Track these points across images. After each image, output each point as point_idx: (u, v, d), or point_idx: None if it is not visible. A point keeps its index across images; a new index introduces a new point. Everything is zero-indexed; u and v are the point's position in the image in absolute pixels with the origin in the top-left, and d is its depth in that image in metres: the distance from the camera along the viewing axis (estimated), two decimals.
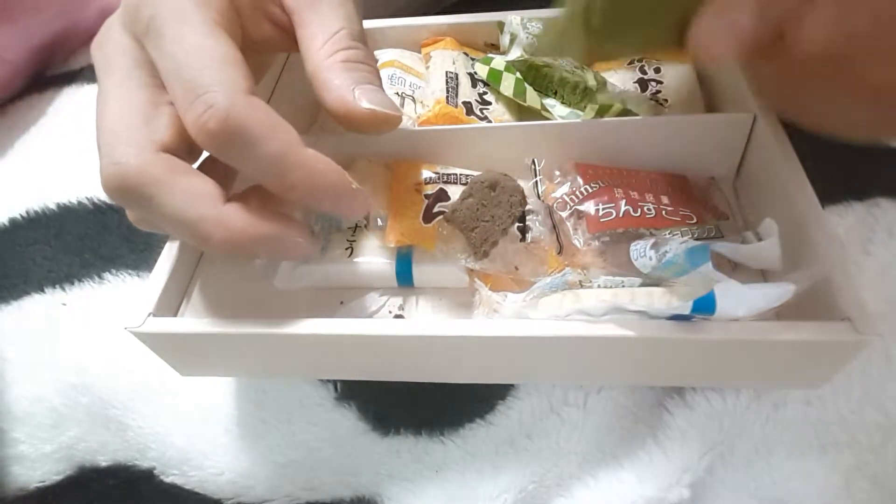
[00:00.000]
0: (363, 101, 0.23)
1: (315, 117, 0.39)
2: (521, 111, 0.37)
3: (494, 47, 0.40)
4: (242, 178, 0.27)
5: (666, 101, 0.36)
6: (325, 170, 0.22)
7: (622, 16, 0.23)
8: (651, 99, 0.36)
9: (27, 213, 0.38)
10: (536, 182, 0.32)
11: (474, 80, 0.38)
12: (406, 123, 0.36)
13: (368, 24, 0.40)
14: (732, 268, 0.28)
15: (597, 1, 0.23)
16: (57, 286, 0.35)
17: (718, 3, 0.20)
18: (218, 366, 0.29)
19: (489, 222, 0.29)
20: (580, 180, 0.31)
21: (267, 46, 0.28)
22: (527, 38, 0.37)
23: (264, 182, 0.23)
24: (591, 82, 0.35)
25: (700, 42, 0.21)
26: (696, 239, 0.28)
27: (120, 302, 0.34)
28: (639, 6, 0.23)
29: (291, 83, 0.39)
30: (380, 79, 0.25)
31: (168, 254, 0.29)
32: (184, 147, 0.24)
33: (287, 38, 0.27)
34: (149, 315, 0.26)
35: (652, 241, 0.27)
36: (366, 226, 0.33)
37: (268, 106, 0.22)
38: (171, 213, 0.22)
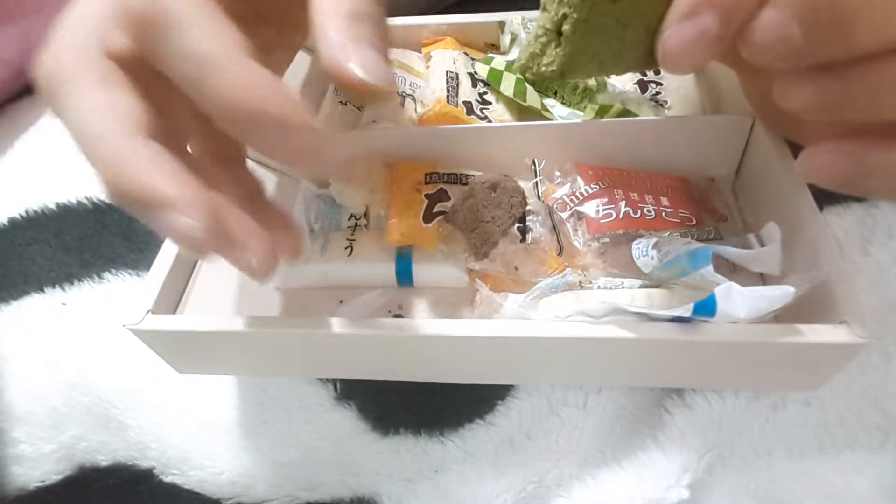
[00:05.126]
0: (356, 66, 0.20)
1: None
2: (522, 111, 0.37)
3: (495, 47, 0.41)
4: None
5: (666, 102, 0.36)
6: (263, 83, 0.18)
7: (592, 33, 0.23)
8: (651, 100, 0.36)
9: (27, 212, 0.38)
10: (537, 182, 0.32)
11: (475, 80, 0.38)
12: (406, 123, 0.36)
13: None
14: (731, 270, 0.28)
15: (567, 18, 0.23)
16: (57, 286, 0.35)
17: (682, 11, 0.20)
18: (216, 364, 0.29)
19: (489, 223, 0.29)
20: (580, 181, 0.31)
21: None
22: (525, 40, 0.37)
23: (184, 87, 0.19)
24: (592, 82, 0.35)
25: (668, 51, 0.21)
26: (696, 241, 0.28)
27: (120, 302, 0.34)
28: (609, 26, 0.23)
29: (292, 84, 0.39)
30: (385, 39, 0.22)
31: (167, 251, 0.29)
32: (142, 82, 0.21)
33: None
34: (147, 312, 0.26)
35: (654, 240, 0.27)
36: (366, 225, 0.33)
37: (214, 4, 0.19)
38: (72, 127, 0.19)
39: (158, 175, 0.18)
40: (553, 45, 0.23)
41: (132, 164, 0.18)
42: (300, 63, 0.41)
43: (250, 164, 0.27)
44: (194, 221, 0.18)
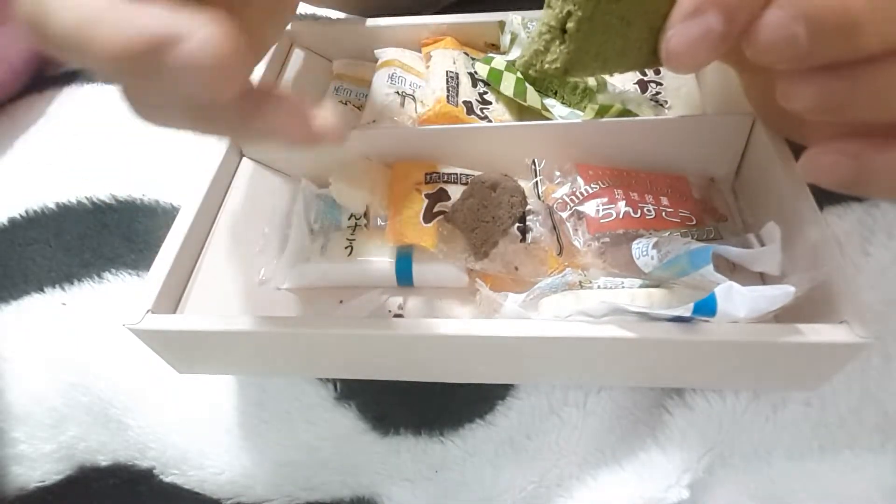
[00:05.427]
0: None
1: None
2: (522, 111, 0.37)
3: (495, 47, 0.41)
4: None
5: (666, 102, 0.36)
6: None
7: (596, 31, 0.23)
8: (651, 100, 0.36)
9: (27, 212, 0.38)
10: (537, 182, 0.32)
11: (475, 80, 0.38)
12: (406, 123, 0.36)
13: (369, 23, 0.40)
14: (731, 269, 0.28)
15: (571, 16, 0.23)
16: (56, 286, 0.35)
17: (686, 10, 0.20)
18: (216, 364, 0.29)
19: (489, 223, 0.29)
20: (580, 181, 0.31)
21: None
22: (527, 38, 0.37)
23: None
24: (592, 82, 0.35)
25: (671, 51, 0.21)
26: (696, 241, 0.28)
27: (120, 301, 0.34)
28: (613, 24, 0.23)
29: (291, 83, 0.39)
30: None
31: (167, 250, 0.29)
32: None
33: None
34: (147, 312, 0.26)
35: (654, 240, 0.27)
36: (366, 225, 0.33)
37: None
38: (63, 32, 0.17)
39: (164, 14, 0.16)
40: (557, 42, 0.23)
41: (124, 19, 0.16)
42: (300, 63, 0.41)
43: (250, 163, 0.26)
44: (209, 44, 0.16)
